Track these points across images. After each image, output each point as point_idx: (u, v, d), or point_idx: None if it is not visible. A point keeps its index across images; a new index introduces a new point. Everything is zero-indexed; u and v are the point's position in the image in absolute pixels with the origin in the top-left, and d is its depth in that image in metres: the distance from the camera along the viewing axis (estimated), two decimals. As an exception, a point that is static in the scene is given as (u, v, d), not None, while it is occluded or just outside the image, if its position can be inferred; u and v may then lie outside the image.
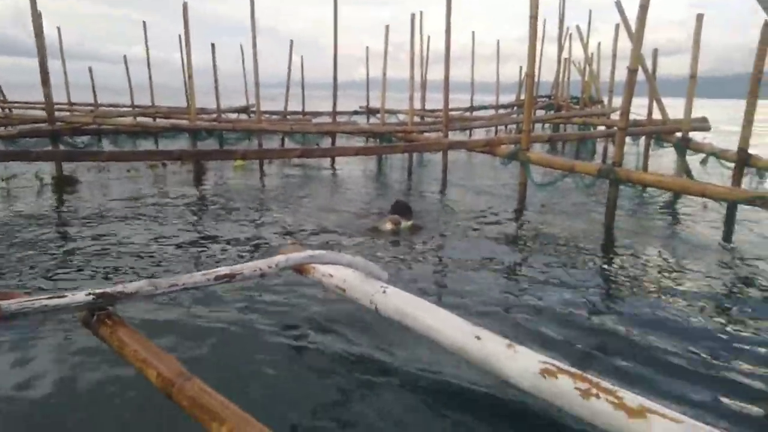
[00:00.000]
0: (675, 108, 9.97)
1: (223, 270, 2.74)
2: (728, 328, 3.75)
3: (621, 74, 15.97)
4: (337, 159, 12.12)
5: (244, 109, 17.71)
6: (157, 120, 14.64)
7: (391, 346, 3.30)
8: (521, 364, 2.35)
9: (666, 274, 4.96)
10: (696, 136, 9.07)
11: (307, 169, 11.41)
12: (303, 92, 17.39)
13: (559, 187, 7.48)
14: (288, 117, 16.77)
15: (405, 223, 6.21)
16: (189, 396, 1.91)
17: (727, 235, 6.18)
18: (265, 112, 16.70)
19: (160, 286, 2.53)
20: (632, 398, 2.06)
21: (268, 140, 13.72)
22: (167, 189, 8.77)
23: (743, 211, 6.26)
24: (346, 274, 3.23)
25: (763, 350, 3.42)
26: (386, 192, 9.05)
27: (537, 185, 7.51)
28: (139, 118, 13.97)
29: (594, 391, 2.12)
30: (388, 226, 6.10)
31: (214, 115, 14.73)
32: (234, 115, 17.38)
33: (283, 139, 13.89)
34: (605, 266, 5.21)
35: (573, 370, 2.25)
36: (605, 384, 2.15)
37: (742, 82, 6.93)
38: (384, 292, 3.01)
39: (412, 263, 5.12)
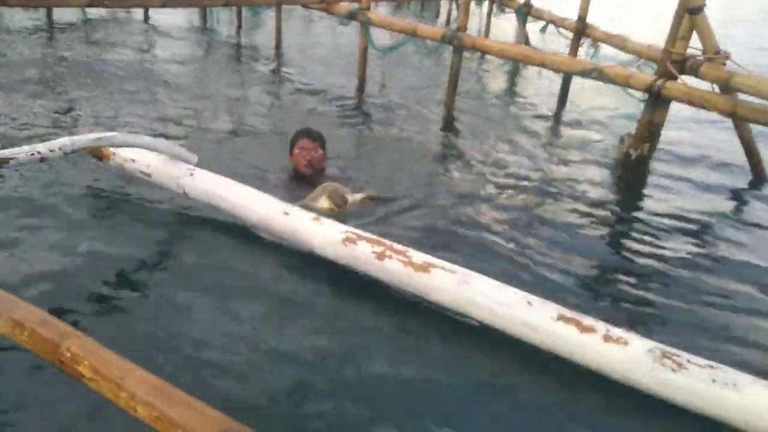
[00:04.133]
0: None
1: (-12, 154, 2.40)
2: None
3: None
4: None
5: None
6: None
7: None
8: (326, 234, 2.53)
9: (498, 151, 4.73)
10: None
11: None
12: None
13: (399, 51, 6.86)
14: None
15: (352, 197, 3.12)
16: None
17: (561, 104, 6.26)
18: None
19: None
20: (419, 256, 2.35)
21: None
22: None
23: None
24: (150, 159, 3.03)
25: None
26: (214, 56, 7.80)
27: (377, 50, 6.89)
28: None
29: (388, 252, 2.38)
30: (325, 204, 2.99)
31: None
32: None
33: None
34: (444, 141, 4.99)
35: (371, 236, 2.47)
36: (398, 246, 2.42)
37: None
38: (192, 174, 2.91)
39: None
